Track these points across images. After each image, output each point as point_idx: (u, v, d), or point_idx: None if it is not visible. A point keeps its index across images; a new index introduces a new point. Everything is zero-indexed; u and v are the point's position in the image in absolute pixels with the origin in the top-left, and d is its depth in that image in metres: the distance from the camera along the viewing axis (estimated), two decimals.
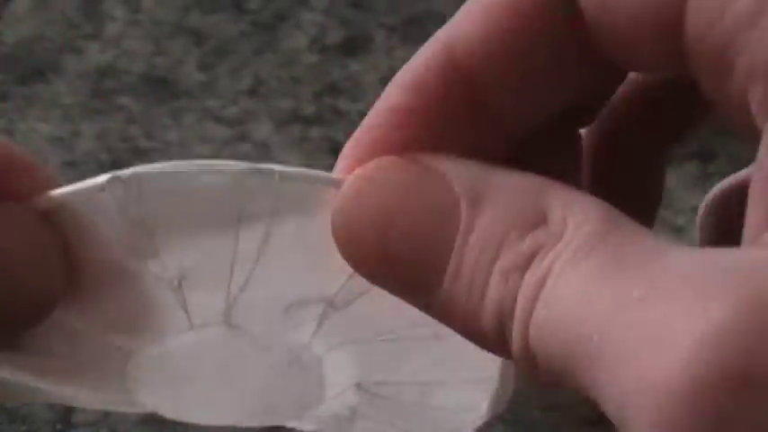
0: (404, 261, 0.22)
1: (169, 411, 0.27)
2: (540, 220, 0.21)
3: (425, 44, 0.23)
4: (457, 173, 0.22)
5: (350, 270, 0.23)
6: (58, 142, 0.48)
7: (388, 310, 0.24)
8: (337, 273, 0.24)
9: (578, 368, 0.19)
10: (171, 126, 0.48)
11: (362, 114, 0.24)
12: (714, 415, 0.17)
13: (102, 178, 0.23)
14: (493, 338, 0.21)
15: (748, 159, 0.20)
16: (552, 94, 0.24)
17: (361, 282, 0.23)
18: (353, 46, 0.47)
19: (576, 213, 0.21)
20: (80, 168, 0.47)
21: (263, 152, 0.47)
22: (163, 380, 0.27)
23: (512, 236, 0.21)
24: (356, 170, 0.23)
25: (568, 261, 0.20)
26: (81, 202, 0.23)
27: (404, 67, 0.23)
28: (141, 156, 0.47)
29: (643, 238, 0.20)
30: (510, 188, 0.22)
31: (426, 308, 0.22)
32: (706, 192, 0.28)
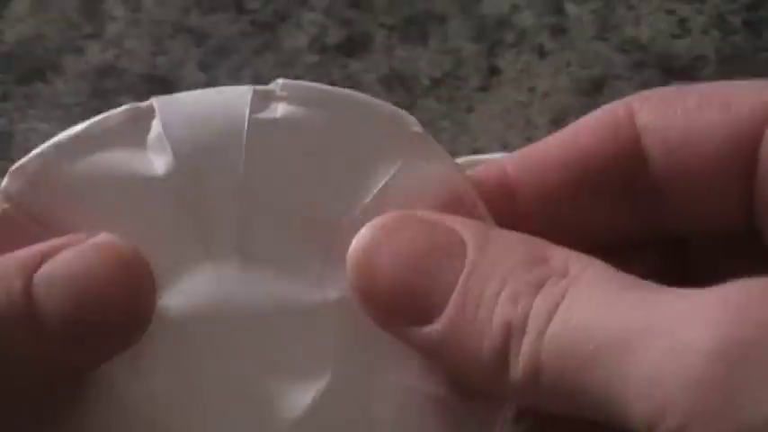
0: (411, 293, 0.24)
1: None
2: (543, 262, 0.23)
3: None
4: (465, 227, 0.25)
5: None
6: None
7: None
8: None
9: (596, 369, 0.21)
10: None
11: None
12: (745, 364, 0.20)
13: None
14: (493, 362, 0.23)
15: None
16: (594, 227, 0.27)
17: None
18: (353, 46, 0.47)
19: (577, 261, 0.23)
20: None
21: None
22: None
23: (517, 270, 0.23)
24: (374, 219, 0.25)
25: (582, 288, 0.22)
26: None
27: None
28: None
29: (645, 282, 0.23)
30: (513, 238, 0.25)
31: (424, 340, 0.24)
32: None
